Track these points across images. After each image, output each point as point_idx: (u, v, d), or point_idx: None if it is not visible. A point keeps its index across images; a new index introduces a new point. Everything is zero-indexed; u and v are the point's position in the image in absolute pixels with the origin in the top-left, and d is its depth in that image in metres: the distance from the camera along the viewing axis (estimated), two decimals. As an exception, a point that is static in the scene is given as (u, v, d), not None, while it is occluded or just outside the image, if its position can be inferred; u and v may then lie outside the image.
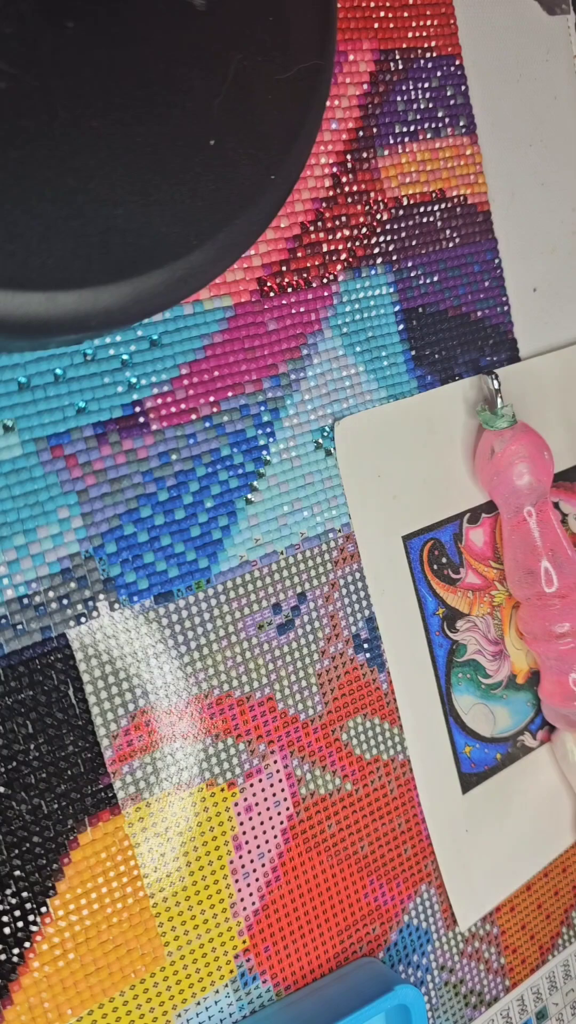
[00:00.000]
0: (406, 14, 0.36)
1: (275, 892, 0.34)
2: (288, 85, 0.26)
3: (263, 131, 0.25)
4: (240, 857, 0.33)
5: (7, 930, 0.28)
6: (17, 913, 0.28)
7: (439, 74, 0.37)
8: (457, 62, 0.38)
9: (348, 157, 0.35)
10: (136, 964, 0.31)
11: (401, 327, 0.36)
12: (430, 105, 0.37)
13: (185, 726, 0.32)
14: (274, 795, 0.33)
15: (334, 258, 0.34)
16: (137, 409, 0.30)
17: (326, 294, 0.34)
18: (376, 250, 0.36)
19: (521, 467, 0.36)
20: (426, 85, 0.37)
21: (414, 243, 0.37)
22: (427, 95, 0.37)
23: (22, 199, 0.22)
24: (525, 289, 0.40)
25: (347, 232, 0.35)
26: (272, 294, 0.33)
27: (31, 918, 0.29)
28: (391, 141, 0.36)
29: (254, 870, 0.33)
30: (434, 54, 0.37)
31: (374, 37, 0.35)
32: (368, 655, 0.36)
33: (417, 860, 0.37)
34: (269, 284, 0.33)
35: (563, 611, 0.37)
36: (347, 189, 0.35)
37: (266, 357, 0.33)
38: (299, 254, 0.34)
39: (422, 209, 0.37)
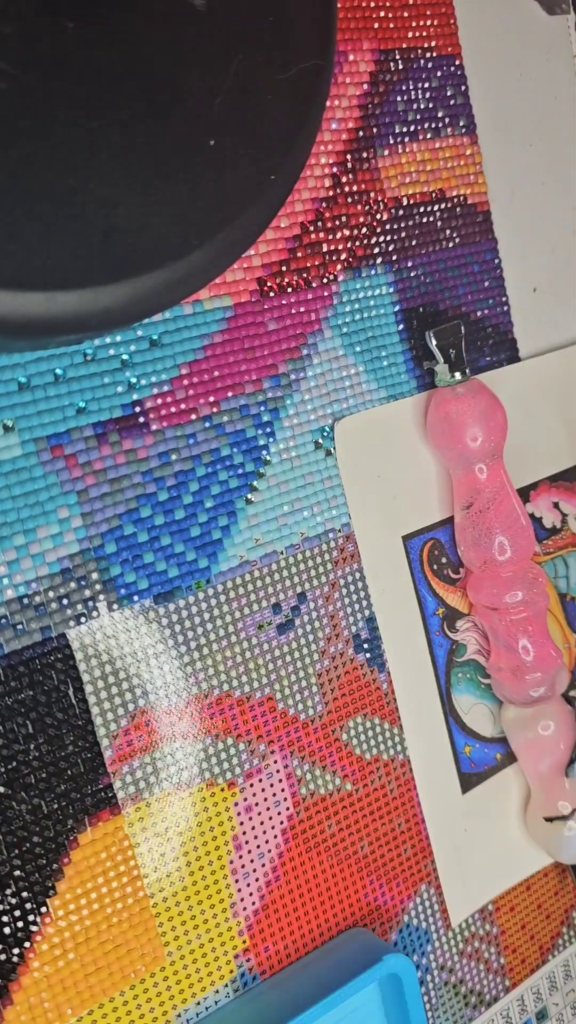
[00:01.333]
0: (406, 14, 0.36)
1: (275, 892, 0.34)
2: (288, 85, 0.26)
3: (263, 131, 0.25)
4: (240, 857, 0.33)
5: (7, 930, 0.28)
6: (17, 913, 0.28)
7: (439, 74, 0.37)
8: (457, 62, 0.38)
9: (348, 157, 0.35)
10: (136, 964, 0.31)
11: (401, 327, 0.36)
12: (430, 105, 0.37)
13: (185, 726, 0.32)
14: (274, 795, 0.33)
15: (334, 258, 0.34)
16: (137, 409, 0.30)
17: (326, 294, 0.34)
18: (376, 250, 0.36)
19: (476, 427, 0.35)
20: (426, 85, 0.37)
21: (414, 243, 0.37)
22: (427, 95, 0.37)
23: (22, 199, 0.22)
24: (525, 289, 0.40)
25: (347, 232, 0.35)
26: (272, 294, 0.33)
27: (31, 918, 0.29)
28: (391, 141, 0.36)
29: (254, 870, 0.33)
30: (434, 54, 0.37)
31: (374, 37, 0.35)
32: (368, 655, 0.36)
33: (417, 860, 0.37)
34: (269, 284, 0.33)
35: (514, 580, 0.36)
36: (347, 189, 0.35)
37: (266, 357, 0.33)
38: (299, 254, 0.34)
39: (422, 209, 0.37)
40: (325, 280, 0.34)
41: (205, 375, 0.32)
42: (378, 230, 0.36)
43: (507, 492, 0.36)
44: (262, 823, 0.33)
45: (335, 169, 0.34)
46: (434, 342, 0.35)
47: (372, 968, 0.32)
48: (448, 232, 0.38)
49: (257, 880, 0.33)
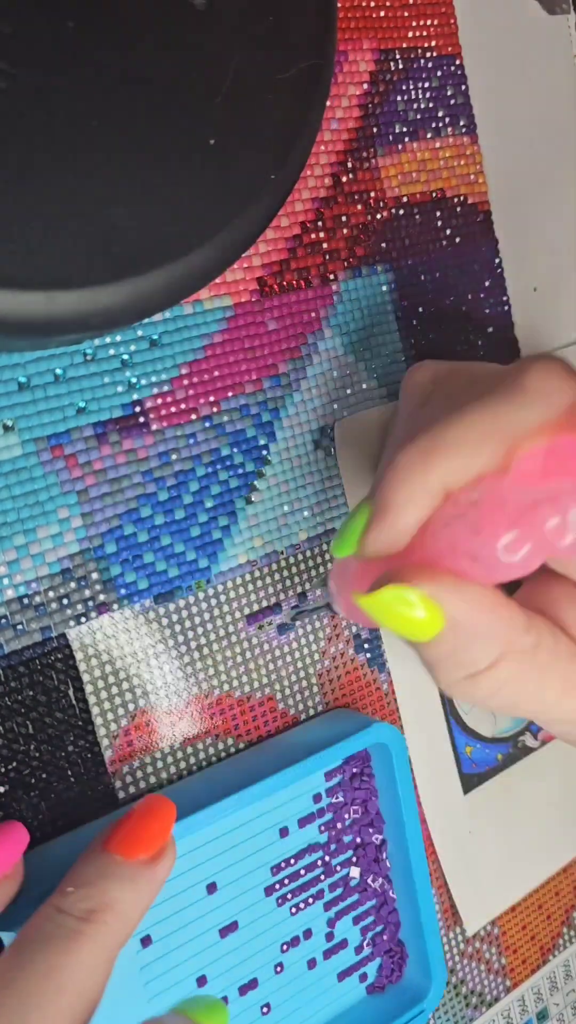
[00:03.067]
0: (406, 14, 0.36)
1: (275, 892, 0.34)
2: (288, 85, 0.26)
3: (263, 131, 0.25)
4: (240, 857, 0.33)
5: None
6: (17, 913, 0.28)
7: (439, 74, 0.37)
8: (457, 62, 0.38)
9: (348, 157, 0.35)
10: (136, 964, 0.31)
11: (401, 327, 0.36)
12: (430, 105, 0.37)
13: (185, 726, 0.32)
14: (274, 795, 0.33)
15: (334, 258, 0.34)
16: (137, 409, 0.30)
17: (326, 294, 0.34)
18: (376, 250, 0.36)
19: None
20: (426, 85, 0.37)
21: (414, 243, 0.37)
22: (427, 95, 0.37)
23: (22, 199, 0.22)
24: (525, 289, 0.40)
25: (347, 232, 0.35)
26: (272, 294, 0.33)
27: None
28: (391, 141, 0.36)
29: (254, 870, 0.33)
30: (434, 54, 0.37)
31: (374, 37, 0.35)
32: (368, 655, 0.36)
33: (417, 860, 0.37)
34: (269, 284, 0.33)
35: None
36: (347, 189, 0.35)
37: (266, 357, 0.33)
38: (299, 254, 0.34)
39: (422, 209, 0.37)
40: (325, 280, 0.34)
41: (205, 375, 0.32)
42: (378, 230, 0.36)
43: None
44: (262, 823, 0.33)
45: (335, 169, 0.34)
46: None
47: (361, 732, 0.32)
48: (448, 232, 0.38)
49: (257, 880, 0.33)
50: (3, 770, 0.28)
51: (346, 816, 0.34)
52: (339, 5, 0.34)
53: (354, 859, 0.34)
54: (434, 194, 0.37)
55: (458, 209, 0.38)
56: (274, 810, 0.32)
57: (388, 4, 0.35)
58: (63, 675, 0.29)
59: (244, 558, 0.33)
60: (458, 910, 0.38)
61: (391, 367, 0.36)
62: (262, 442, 0.33)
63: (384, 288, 0.36)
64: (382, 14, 0.35)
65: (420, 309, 0.37)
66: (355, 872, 0.34)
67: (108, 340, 0.30)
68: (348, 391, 0.35)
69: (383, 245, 0.36)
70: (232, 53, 0.25)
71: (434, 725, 0.37)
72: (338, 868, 0.34)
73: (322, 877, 0.33)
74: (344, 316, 0.35)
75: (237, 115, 0.25)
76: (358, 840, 0.34)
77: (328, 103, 0.34)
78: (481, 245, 0.39)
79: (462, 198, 0.38)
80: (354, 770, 0.34)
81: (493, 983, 0.40)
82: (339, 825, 0.34)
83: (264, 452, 0.33)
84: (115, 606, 0.30)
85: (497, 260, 0.39)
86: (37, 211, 0.22)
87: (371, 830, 0.34)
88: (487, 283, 0.39)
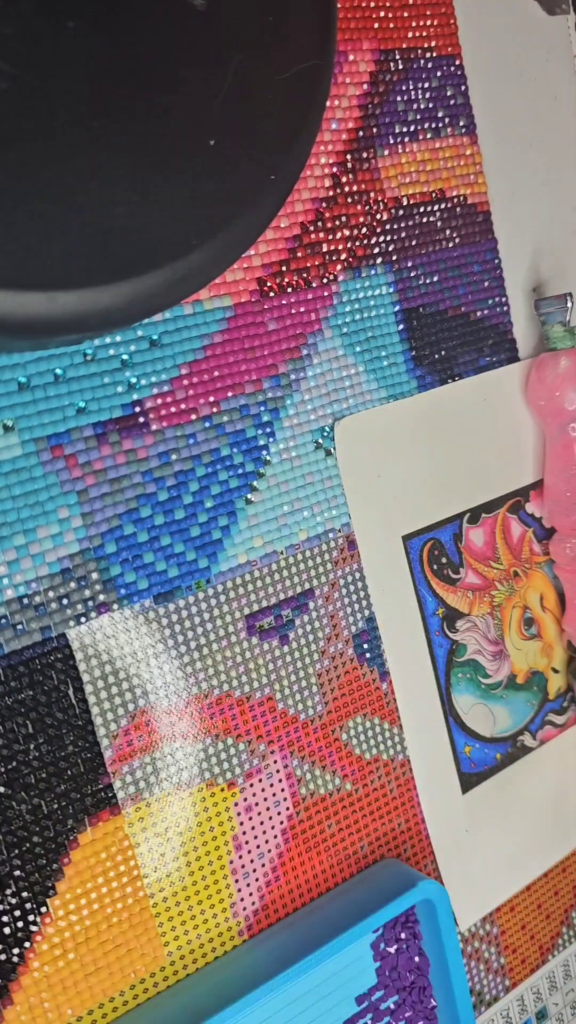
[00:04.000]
0: (406, 14, 0.36)
1: (275, 892, 0.34)
2: (288, 85, 0.26)
3: (263, 131, 0.25)
4: (240, 857, 0.33)
5: (7, 930, 0.28)
6: (17, 913, 0.28)
7: (439, 74, 0.37)
8: (457, 62, 0.38)
9: (348, 157, 0.35)
10: (136, 964, 0.31)
11: (401, 327, 0.36)
12: (430, 105, 0.37)
13: (185, 726, 0.32)
14: (274, 795, 0.33)
15: (334, 258, 0.34)
16: (137, 409, 0.30)
17: (326, 294, 0.34)
18: (376, 250, 0.36)
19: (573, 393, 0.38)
20: (426, 85, 0.37)
21: (414, 243, 0.37)
22: (427, 95, 0.37)
23: (22, 199, 0.22)
24: (525, 289, 0.40)
25: (347, 232, 0.35)
26: (272, 294, 0.33)
27: (31, 918, 0.29)
28: (391, 141, 0.36)
29: (254, 870, 0.33)
30: (434, 54, 0.37)
31: (374, 37, 0.35)
32: (368, 655, 0.36)
33: (417, 860, 0.37)
34: (269, 284, 0.33)
35: None
36: (347, 189, 0.35)
37: (266, 357, 0.33)
38: (299, 254, 0.34)
39: (422, 209, 0.37)
40: (325, 280, 0.34)
41: (205, 375, 0.32)
42: (378, 230, 0.36)
43: None
44: (262, 823, 0.33)
45: (335, 169, 0.34)
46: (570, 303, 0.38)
47: (407, 893, 0.33)
48: (448, 232, 0.38)
49: (257, 880, 0.33)
50: (3, 770, 0.28)
51: (393, 963, 0.35)
52: (339, 5, 0.34)
53: (401, 1002, 0.36)
54: (434, 194, 0.37)
55: (458, 209, 0.38)
56: (329, 976, 0.34)
57: (388, 4, 0.35)
58: (63, 675, 0.29)
59: (244, 558, 0.33)
60: (452, 907, 0.38)
61: (391, 367, 0.36)
62: (262, 442, 0.33)
63: (384, 288, 0.36)
64: (382, 14, 0.35)
65: (420, 309, 0.37)
66: (403, 1016, 0.36)
67: (108, 340, 0.30)
68: (348, 391, 0.35)
69: (383, 245, 0.36)
70: (232, 53, 0.25)
71: (433, 725, 0.37)
72: (386, 1012, 0.35)
73: (371, 1022, 0.35)
74: (344, 316, 0.35)
75: (237, 115, 0.25)
76: (405, 984, 0.36)
77: (328, 103, 0.34)
78: (481, 245, 0.39)
79: (462, 198, 0.38)
80: (400, 920, 0.35)
81: (492, 983, 0.40)
82: (387, 972, 0.35)
83: (264, 452, 0.33)
84: (115, 606, 0.30)
85: (497, 260, 0.39)
86: (37, 211, 0.22)
87: (416, 974, 0.36)
88: (487, 283, 0.39)
